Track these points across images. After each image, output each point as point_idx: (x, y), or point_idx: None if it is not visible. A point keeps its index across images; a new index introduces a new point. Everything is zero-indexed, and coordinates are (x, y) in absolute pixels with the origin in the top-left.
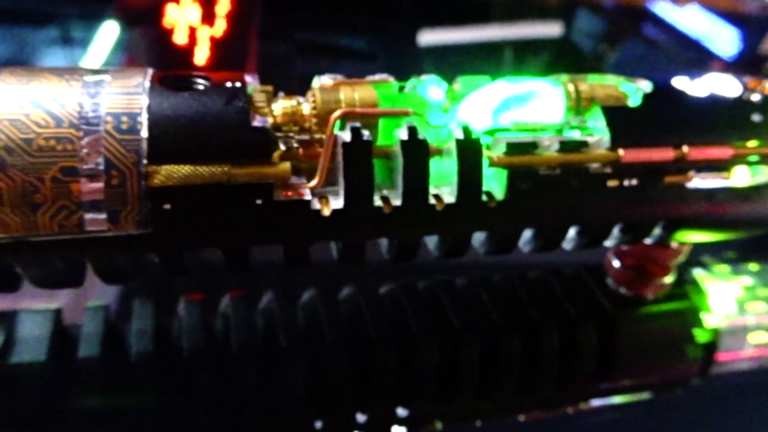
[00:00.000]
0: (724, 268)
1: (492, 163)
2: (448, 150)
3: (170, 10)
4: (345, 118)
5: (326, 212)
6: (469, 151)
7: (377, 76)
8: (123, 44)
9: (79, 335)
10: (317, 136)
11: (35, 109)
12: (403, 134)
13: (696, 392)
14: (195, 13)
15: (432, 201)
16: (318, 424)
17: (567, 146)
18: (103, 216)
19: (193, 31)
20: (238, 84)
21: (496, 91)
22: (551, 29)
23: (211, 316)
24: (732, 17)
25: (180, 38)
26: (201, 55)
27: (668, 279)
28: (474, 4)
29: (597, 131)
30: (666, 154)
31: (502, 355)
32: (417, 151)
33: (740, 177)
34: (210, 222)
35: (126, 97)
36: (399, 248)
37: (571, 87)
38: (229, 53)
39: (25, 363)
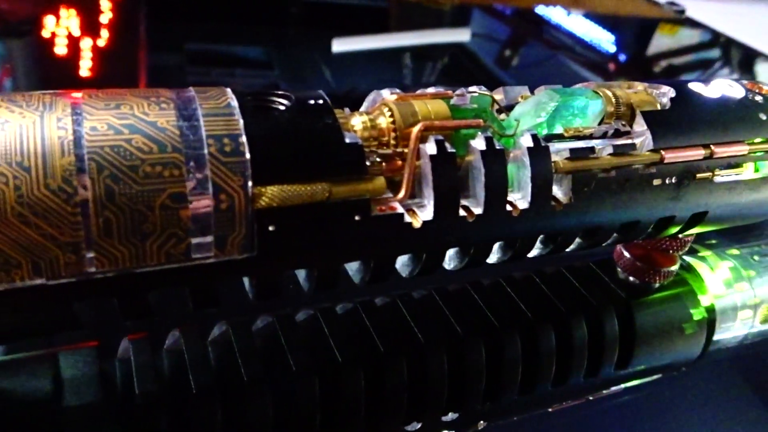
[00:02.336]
0: (709, 253)
1: (558, 170)
2: (515, 157)
3: (49, 21)
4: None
5: (417, 224)
6: (539, 158)
7: (432, 89)
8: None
9: (130, 370)
10: (399, 149)
11: (134, 135)
12: (481, 145)
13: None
14: (75, 23)
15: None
16: None
17: (618, 149)
18: (210, 242)
19: (74, 41)
20: (320, 101)
21: (544, 100)
22: (462, 35)
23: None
24: (611, 23)
25: (61, 49)
26: (85, 67)
27: (674, 267)
28: (371, 11)
29: (640, 135)
30: (697, 153)
31: (540, 349)
32: (495, 160)
33: (748, 171)
34: (311, 241)
35: (222, 119)
36: (475, 254)
37: (610, 93)
38: (115, 64)
39: (78, 405)
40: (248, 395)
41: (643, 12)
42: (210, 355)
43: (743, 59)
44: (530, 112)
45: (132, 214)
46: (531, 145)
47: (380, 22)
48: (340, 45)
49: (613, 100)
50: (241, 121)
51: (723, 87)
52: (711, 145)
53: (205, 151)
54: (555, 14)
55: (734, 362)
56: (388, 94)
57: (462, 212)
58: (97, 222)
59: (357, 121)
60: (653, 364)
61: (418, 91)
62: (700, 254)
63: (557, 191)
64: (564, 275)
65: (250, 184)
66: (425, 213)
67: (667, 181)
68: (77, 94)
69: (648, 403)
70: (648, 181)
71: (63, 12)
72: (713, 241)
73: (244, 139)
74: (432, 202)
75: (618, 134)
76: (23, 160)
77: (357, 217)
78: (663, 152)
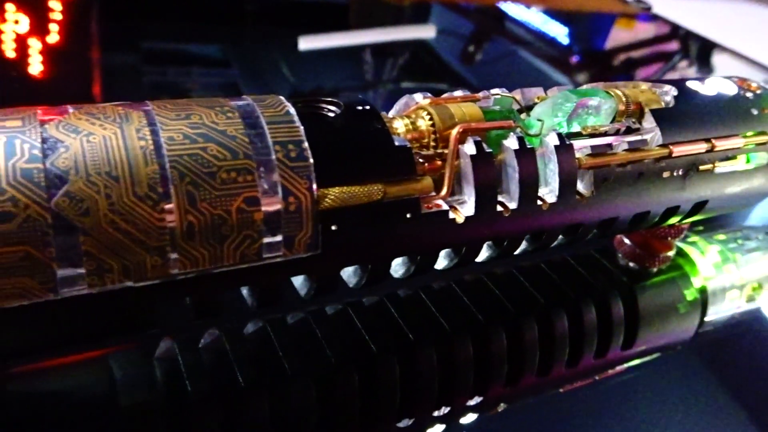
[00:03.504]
0: (698, 238)
1: (581, 165)
2: (541, 155)
3: None
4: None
5: (460, 219)
6: (565, 155)
7: (460, 93)
8: None
9: (175, 368)
10: (438, 150)
11: (209, 143)
12: (514, 144)
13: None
14: (24, 23)
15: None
16: None
17: (632, 145)
18: (279, 242)
19: (22, 41)
20: (367, 107)
21: (561, 101)
22: (427, 32)
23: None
24: (569, 17)
25: (9, 50)
26: (35, 67)
27: (671, 253)
28: (329, 8)
29: (649, 131)
30: (701, 146)
31: (555, 332)
32: (528, 158)
33: (742, 162)
34: (367, 238)
35: (285, 126)
36: (507, 246)
37: (620, 93)
38: (67, 64)
39: (132, 404)
40: (292, 389)
41: (609, 8)
42: (252, 354)
43: (701, 51)
44: (548, 112)
45: (212, 217)
46: (557, 143)
47: (339, 20)
48: (306, 43)
49: (624, 99)
50: (302, 128)
51: (718, 84)
52: (712, 139)
53: (273, 156)
54: (515, 10)
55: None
56: (421, 98)
57: (499, 207)
58: (181, 226)
59: (399, 125)
60: (654, 344)
61: (446, 95)
62: (690, 240)
63: (580, 185)
64: (569, 263)
65: (314, 186)
66: (466, 209)
67: (674, 174)
68: (146, 107)
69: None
70: (658, 173)
71: (10, 11)
72: (701, 228)
73: (306, 144)
74: (473, 199)
75: (629, 131)
76: (111, 170)
77: (408, 215)
78: (671, 147)
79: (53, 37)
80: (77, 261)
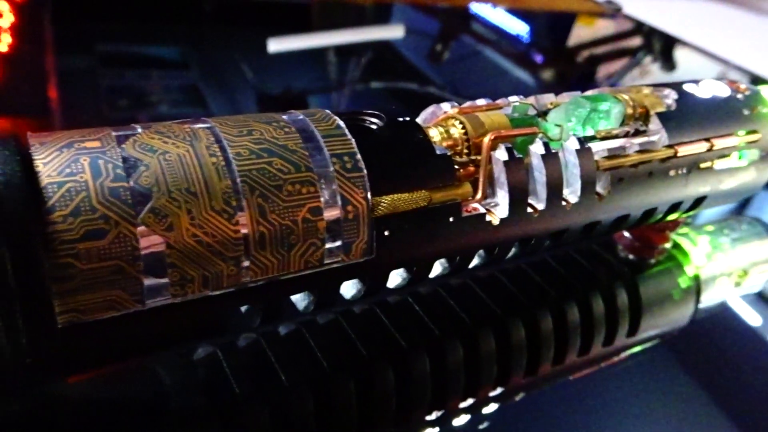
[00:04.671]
0: (688, 230)
1: (598, 167)
2: (562, 158)
3: None
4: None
5: (495, 221)
6: (585, 158)
7: (483, 101)
8: None
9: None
10: (471, 157)
11: (273, 158)
12: (540, 149)
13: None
14: None
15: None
16: None
17: (642, 146)
18: (339, 248)
19: None
20: (407, 118)
21: (573, 106)
22: (395, 32)
23: None
24: (530, 15)
25: None
26: None
27: (668, 245)
28: (289, 8)
29: (655, 133)
30: (702, 146)
31: (567, 323)
32: (553, 161)
33: (734, 159)
34: (415, 242)
35: (338, 139)
36: (534, 244)
37: (627, 97)
38: (20, 68)
39: (184, 408)
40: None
41: (579, 8)
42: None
43: (664, 47)
44: (562, 117)
45: (281, 227)
46: (578, 147)
47: (301, 20)
48: (275, 45)
49: (631, 103)
50: (353, 140)
51: (712, 87)
52: (711, 139)
53: (331, 168)
54: (480, 8)
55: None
56: (449, 108)
57: (529, 209)
58: (253, 236)
59: (434, 133)
60: (655, 330)
61: (469, 104)
62: (681, 231)
63: (598, 186)
64: (573, 257)
65: (369, 195)
66: (500, 211)
67: (679, 172)
68: (208, 123)
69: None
70: (665, 172)
71: None
72: (689, 220)
73: (359, 156)
74: (507, 202)
75: (637, 133)
76: (189, 186)
77: (450, 219)
78: (676, 147)
79: (4, 43)
80: (162, 273)
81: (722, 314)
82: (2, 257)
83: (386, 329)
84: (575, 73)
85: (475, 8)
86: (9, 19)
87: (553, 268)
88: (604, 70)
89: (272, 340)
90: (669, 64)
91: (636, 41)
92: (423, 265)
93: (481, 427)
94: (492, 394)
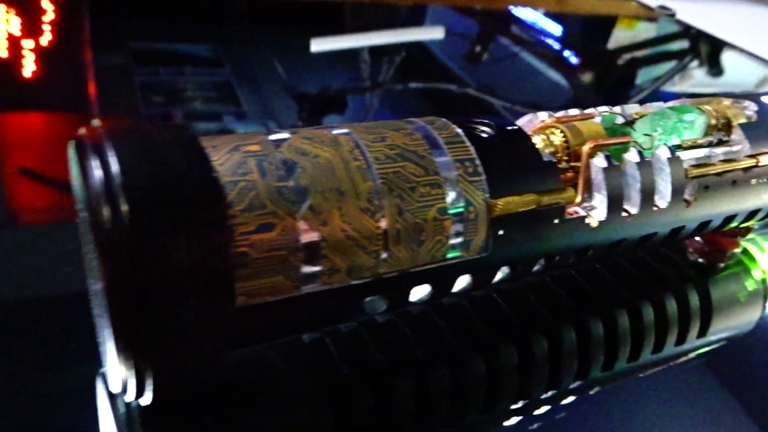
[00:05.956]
0: (754, 235)
1: (687, 175)
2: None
3: None
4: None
5: (594, 224)
6: (676, 166)
7: (576, 111)
8: None
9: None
10: (571, 163)
11: (406, 162)
12: (635, 157)
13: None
14: (16, 24)
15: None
16: None
17: (727, 156)
18: (459, 245)
19: (15, 42)
20: (515, 127)
21: (659, 116)
22: (436, 33)
23: None
24: (570, 18)
25: (2, 50)
26: (28, 68)
27: (737, 249)
28: (323, 7)
29: (738, 143)
30: None
31: (644, 323)
32: (647, 169)
33: None
34: (524, 241)
35: (459, 146)
36: (626, 246)
37: (710, 108)
38: (60, 65)
39: (298, 391)
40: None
41: (633, 12)
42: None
43: (711, 51)
44: (648, 127)
45: (414, 225)
46: (669, 155)
47: (333, 19)
48: (318, 45)
49: (714, 114)
50: (472, 147)
51: None
52: None
53: (455, 173)
54: (519, 11)
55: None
56: (546, 117)
57: (623, 213)
58: (391, 232)
59: (537, 140)
60: (723, 333)
61: (562, 113)
62: (748, 237)
63: (685, 193)
64: (644, 259)
65: (488, 197)
66: (598, 214)
67: (760, 181)
68: (343, 130)
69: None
70: (747, 181)
71: (2, 12)
72: (756, 225)
73: (479, 161)
74: (605, 206)
75: (720, 143)
76: (339, 186)
77: (556, 221)
78: (758, 157)
79: (45, 39)
80: (316, 263)
81: None
82: (200, 246)
83: (474, 324)
84: (615, 76)
85: (515, 11)
86: (50, 15)
87: (626, 269)
88: (645, 74)
89: (372, 328)
90: (716, 68)
91: (678, 45)
92: (527, 263)
93: (558, 416)
94: (571, 386)
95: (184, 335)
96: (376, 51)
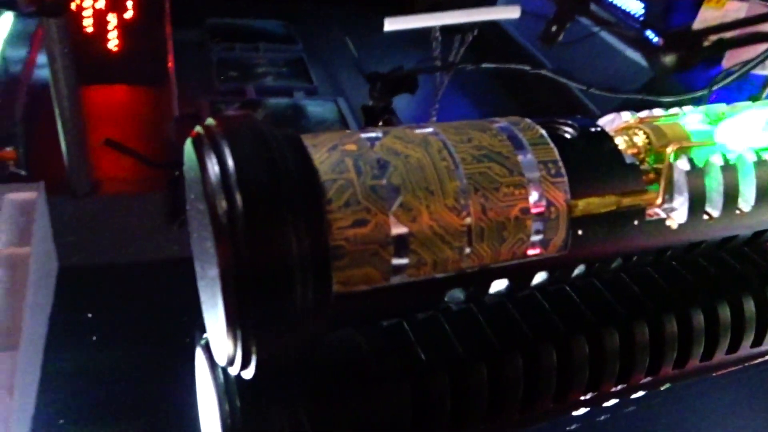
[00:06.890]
0: None
1: None
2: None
3: None
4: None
5: (674, 226)
6: (762, 170)
7: (659, 111)
8: (21, 36)
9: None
10: (653, 165)
11: (491, 163)
12: (719, 161)
13: None
14: None
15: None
16: None
17: None
18: (539, 243)
19: (101, 16)
20: (598, 128)
21: (749, 117)
22: (512, 13)
23: None
24: None
25: (88, 25)
26: (112, 42)
27: None
28: None
29: None
30: None
31: (719, 322)
32: (731, 172)
33: None
34: (603, 241)
35: (542, 147)
36: (706, 247)
37: None
38: (141, 39)
39: (383, 372)
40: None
41: None
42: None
43: None
44: (736, 129)
45: (497, 223)
46: (755, 158)
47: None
48: (391, 24)
49: None
50: (555, 149)
51: None
52: None
53: (538, 174)
54: None
55: None
56: (629, 117)
57: (705, 216)
58: (475, 230)
59: (619, 141)
60: None
61: (646, 113)
62: None
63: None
64: (722, 257)
65: (569, 198)
66: (679, 216)
67: None
68: (430, 129)
69: None
70: None
71: None
72: None
73: (561, 163)
74: (686, 208)
75: None
76: (428, 185)
77: (635, 222)
78: None
79: (129, 13)
80: (405, 256)
81: None
82: (305, 238)
83: (547, 315)
84: (699, 57)
85: None
86: None
87: (704, 268)
88: (732, 57)
89: (448, 317)
90: None
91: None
92: (604, 261)
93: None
94: (642, 381)
95: (289, 317)
96: (448, 30)
